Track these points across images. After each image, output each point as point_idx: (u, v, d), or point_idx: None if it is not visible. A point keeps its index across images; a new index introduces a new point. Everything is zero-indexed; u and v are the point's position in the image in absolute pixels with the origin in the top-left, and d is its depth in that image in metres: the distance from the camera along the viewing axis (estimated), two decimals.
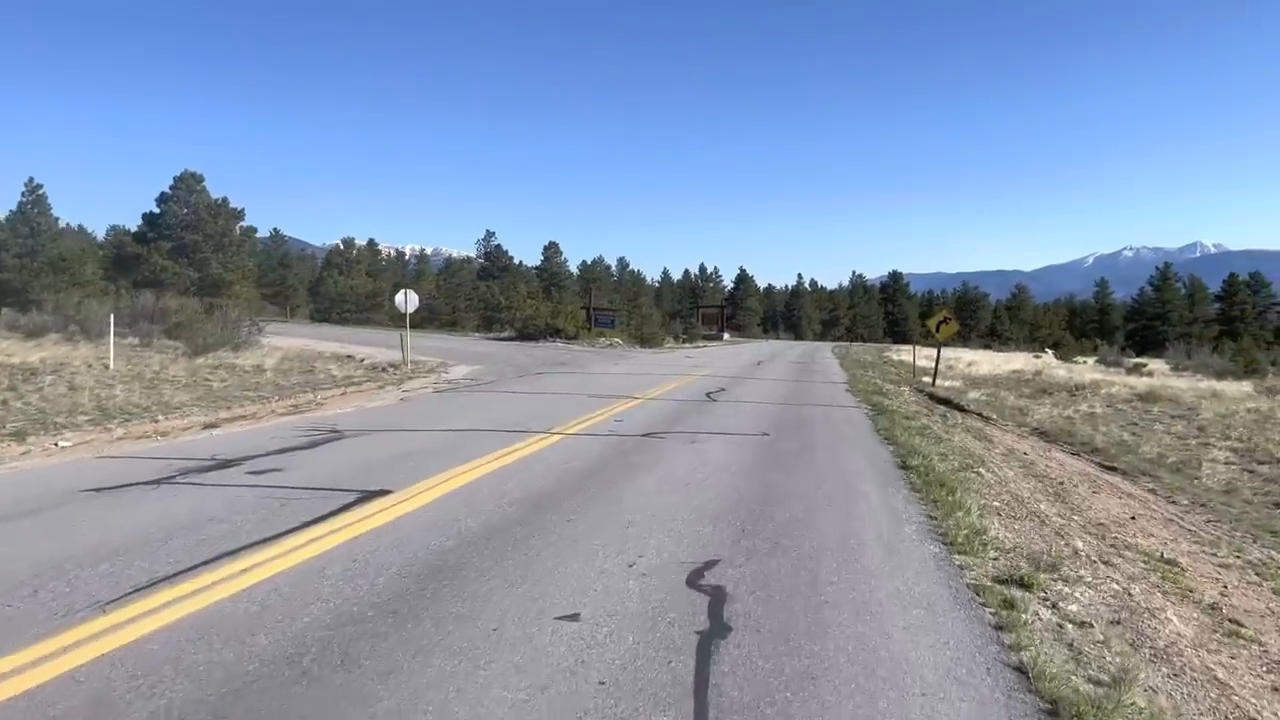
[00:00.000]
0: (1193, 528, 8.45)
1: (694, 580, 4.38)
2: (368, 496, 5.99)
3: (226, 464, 7.28)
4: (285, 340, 29.84)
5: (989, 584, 4.66)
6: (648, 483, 6.97)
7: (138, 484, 6.42)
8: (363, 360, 23.82)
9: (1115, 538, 6.99)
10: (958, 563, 5.04)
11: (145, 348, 24.01)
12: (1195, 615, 5.22)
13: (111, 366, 17.87)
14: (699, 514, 5.87)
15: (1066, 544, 6.06)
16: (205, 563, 4.37)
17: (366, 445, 8.58)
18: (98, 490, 6.18)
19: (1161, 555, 6.57)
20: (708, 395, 15.80)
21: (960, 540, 5.47)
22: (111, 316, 19.95)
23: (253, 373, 18.53)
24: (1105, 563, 5.77)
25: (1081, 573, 5.23)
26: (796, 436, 10.38)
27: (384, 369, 21.56)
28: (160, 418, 11.38)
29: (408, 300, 23.87)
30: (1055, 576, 5.00)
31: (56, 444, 9.17)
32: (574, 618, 3.77)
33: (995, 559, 5.22)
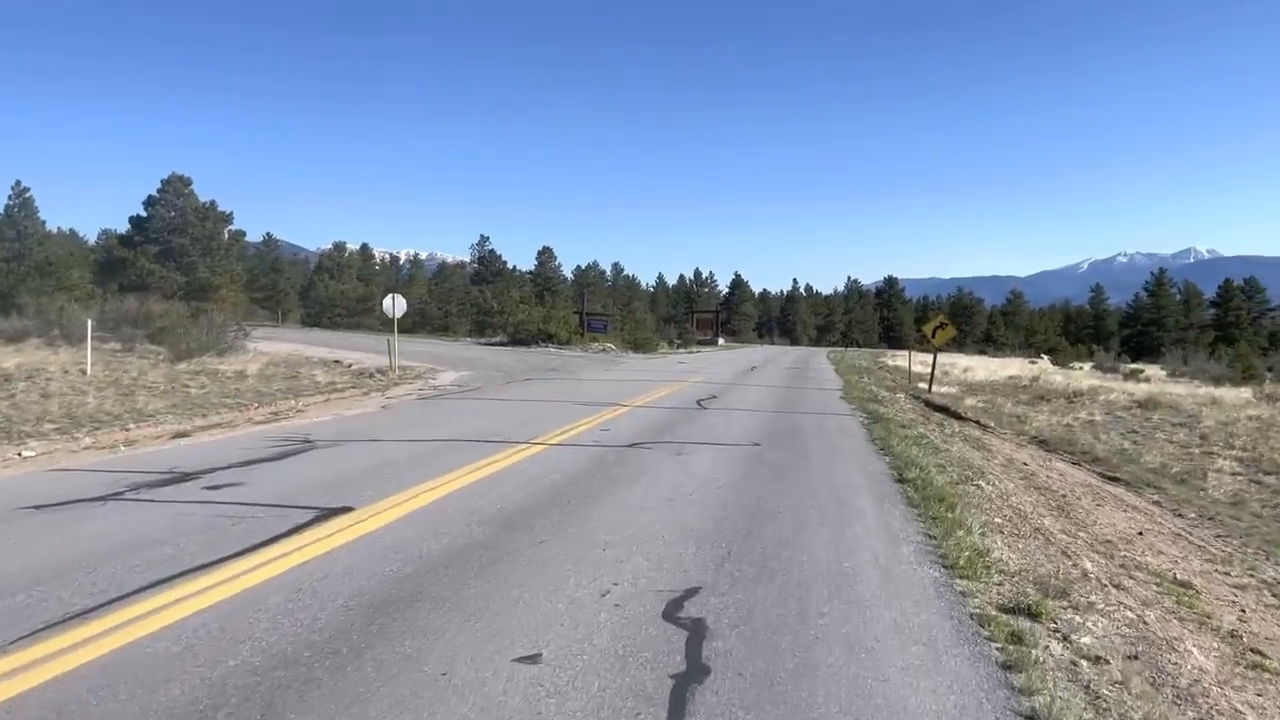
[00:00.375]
0: (1202, 543, 8.09)
1: (672, 612, 3.99)
2: (327, 515, 5.59)
3: (184, 478, 6.86)
4: (273, 345, 29.39)
5: (994, 614, 4.28)
6: (629, 498, 6.58)
7: (84, 500, 6.00)
8: (350, 366, 23.42)
9: (1124, 556, 6.62)
10: (959, 589, 4.66)
11: (128, 353, 23.56)
12: (1215, 645, 4.85)
13: (89, 372, 17.44)
14: (682, 534, 5.48)
15: (1074, 565, 5.68)
16: (134, 593, 3.97)
17: (337, 457, 8.17)
18: (39, 508, 5.76)
19: (1174, 576, 6.20)
20: (698, 403, 15.41)
21: (962, 563, 5.09)
22: (89, 321, 19.52)
23: (234, 379, 18.10)
24: (1116, 586, 5.39)
25: (1093, 598, 4.86)
26: (789, 446, 9.99)
27: (371, 375, 21.15)
28: (131, 426, 10.97)
29: (395, 305, 23.46)
30: (1065, 604, 4.62)
31: (20, 454, 8.76)
32: (534, 659, 3.37)
33: (1000, 584, 4.84)
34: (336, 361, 24.77)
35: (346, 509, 5.77)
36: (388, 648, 3.41)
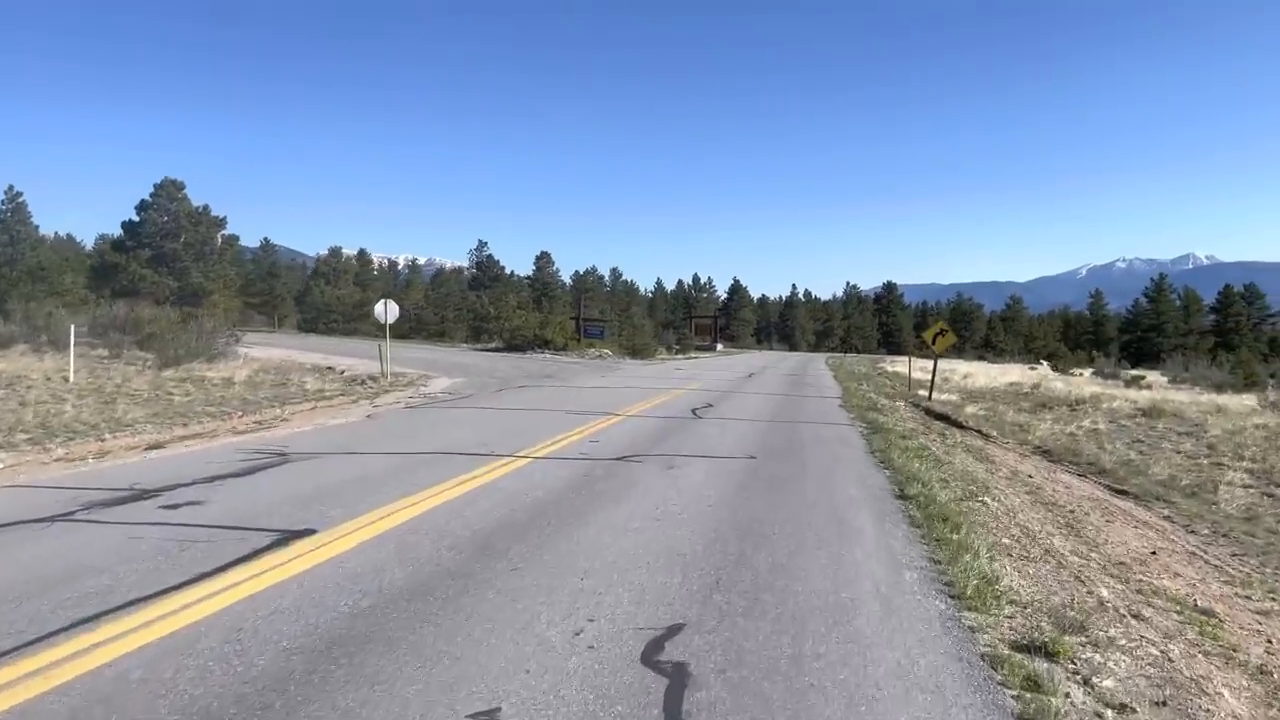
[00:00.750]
0: (1219, 562, 7.71)
1: (651, 654, 3.60)
2: (287, 538, 5.20)
3: (142, 495, 6.47)
4: (266, 351, 29.03)
5: (1007, 653, 3.90)
6: (615, 517, 6.19)
7: (30, 521, 5.61)
8: (342, 372, 23.04)
9: (1140, 580, 6.24)
10: (968, 623, 4.28)
11: (115, 359, 23.18)
12: (1244, 683, 4.46)
13: (72, 380, 17.07)
14: (668, 560, 5.09)
15: (1090, 592, 5.30)
16: (55, 633, 3.57)
17: (310, 471, 7.77)
18: None
19: (1195, 603, 5.82)
20: (693, 412, 15.02)
21: (969, 592, 4.70)
22: (72, 327, 19.11)
23: (221, 386, 17.73)
24: (1136, 616, 5.01)
25: (1112, 632, 4.47)
26: (785, 459, 9.61)
27: (362, 381, 20.77)
28: (107, 436, 10.60)
29: (387, 310, 23.10)
30: (1084, 640, 4.24)
31: None
32: (492, 714, 2.98)
33: (1011, 617, 4.45)
34: (329, 368, 24.40)
35: (309, 531, 5.37)
36: (327, 702, 3.02)
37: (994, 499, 8.20)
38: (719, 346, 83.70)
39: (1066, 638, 4.16)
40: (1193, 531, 8.99)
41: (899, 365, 46.83)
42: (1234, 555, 8.09)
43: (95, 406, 13.40)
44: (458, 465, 8.11)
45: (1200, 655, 4.72)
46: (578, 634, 3.79)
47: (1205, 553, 8.02)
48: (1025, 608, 4.65)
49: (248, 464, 8.07)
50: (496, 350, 45.22)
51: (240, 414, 13.40)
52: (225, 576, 4.40)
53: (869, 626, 4.11)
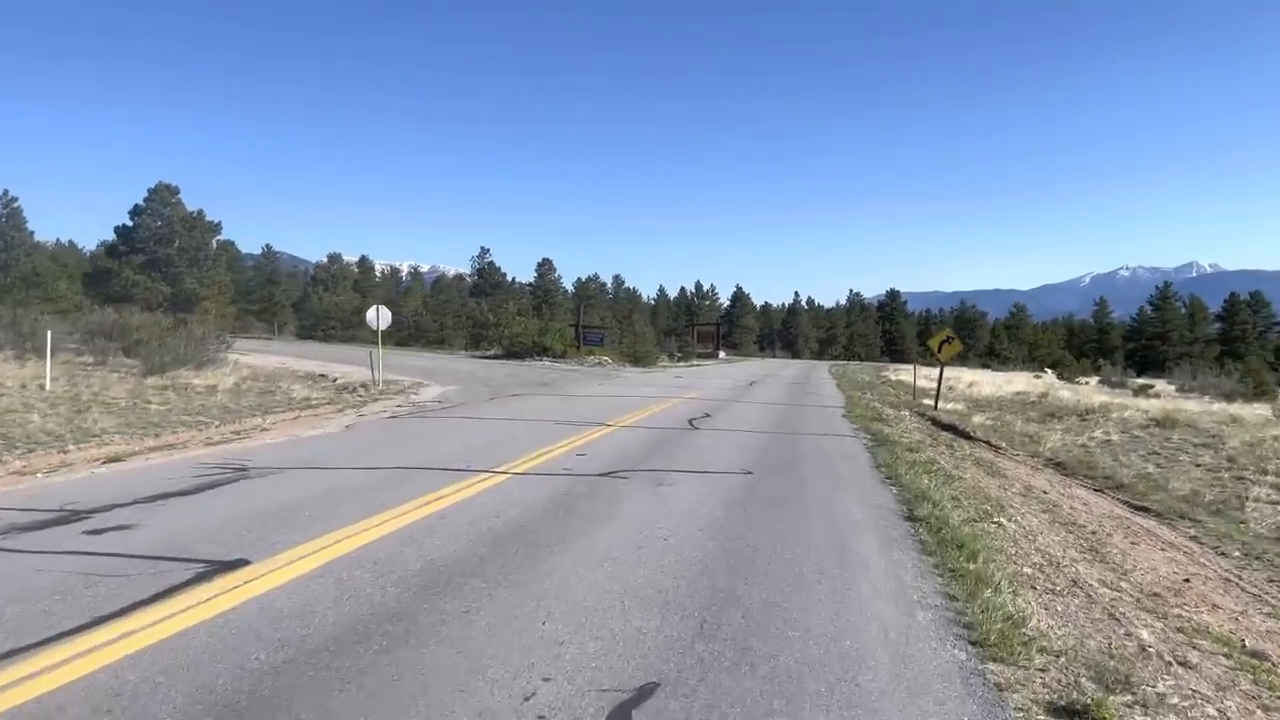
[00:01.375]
0: (1256, 590, 7.05)
1: None
2: (215, 571, 4.57)
3: (70, 518, 5.85)
4: (260, 358, 28.47)
5: (1042, 718, 3.27)
6: (592, 544, 5.55)
7: None
8: (335, 380, 22.49)
9: (1178, 615, 5.59)
10: (994, 679, 3.64)
11: (100, 366, 22.64)
12: None
13: (48, 387, 16.51)
14: (646, 598, 4.45)
15: (1128, 634, 4.65)
16: None
17: (267, 489, 7.15)
18: None
19: (1243, 644, 5.16)
20: (690, 422, 14.38)
21: (993, 638, 4.07)
22: (49, 333, 18.54)
23: (204, 394, 17.17)
24: (1183, 664, 4.36)
25: (1161, 687, 3.83)
26: (784, 475, 8.96)
27: (353, 389, 20.22)
28: (71, 448, 10.02)
29: (379, 316, 22.52)
30: (1130, 698, 3.60)
31: None
32: None
33: (1044, 670, 3.81)
34: (322, 375, 23.86)
35: (242, 563, 4.75)
36: None
37: (1010, 519, 7.56)
38: (721, 354, 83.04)
39: (1111, 697, 3.52)
40: (1223, 554, 8.33)
41: (903, 373, 46.19)
42: (1271, 581, 7.43)
43: (65, 415, 12.82)
44: (430, 482, 7.49)
45: (1260, 711, 4.07)
46: (527, 699, 3.15)
47: (1240, 579, 7.37)
48: (1058, 656, 4.01)
49: (201, 480, 7.44)
50: (495, 358, 44.61)
51: (218, 424, 12.83)
52: (126, 621, 3.77)
53: (877, 685, 3.47)
